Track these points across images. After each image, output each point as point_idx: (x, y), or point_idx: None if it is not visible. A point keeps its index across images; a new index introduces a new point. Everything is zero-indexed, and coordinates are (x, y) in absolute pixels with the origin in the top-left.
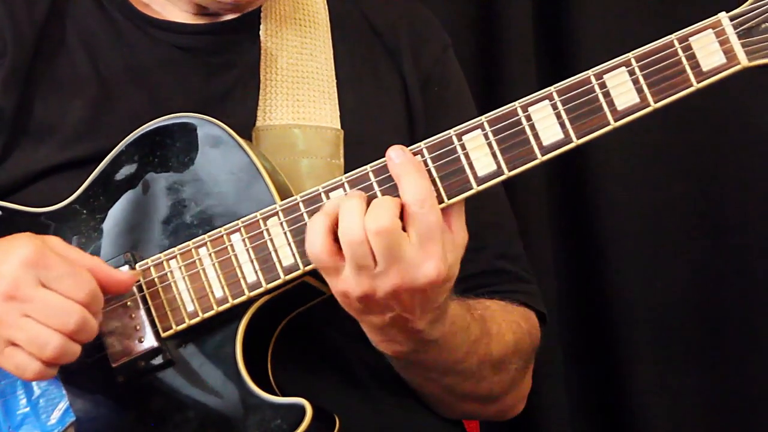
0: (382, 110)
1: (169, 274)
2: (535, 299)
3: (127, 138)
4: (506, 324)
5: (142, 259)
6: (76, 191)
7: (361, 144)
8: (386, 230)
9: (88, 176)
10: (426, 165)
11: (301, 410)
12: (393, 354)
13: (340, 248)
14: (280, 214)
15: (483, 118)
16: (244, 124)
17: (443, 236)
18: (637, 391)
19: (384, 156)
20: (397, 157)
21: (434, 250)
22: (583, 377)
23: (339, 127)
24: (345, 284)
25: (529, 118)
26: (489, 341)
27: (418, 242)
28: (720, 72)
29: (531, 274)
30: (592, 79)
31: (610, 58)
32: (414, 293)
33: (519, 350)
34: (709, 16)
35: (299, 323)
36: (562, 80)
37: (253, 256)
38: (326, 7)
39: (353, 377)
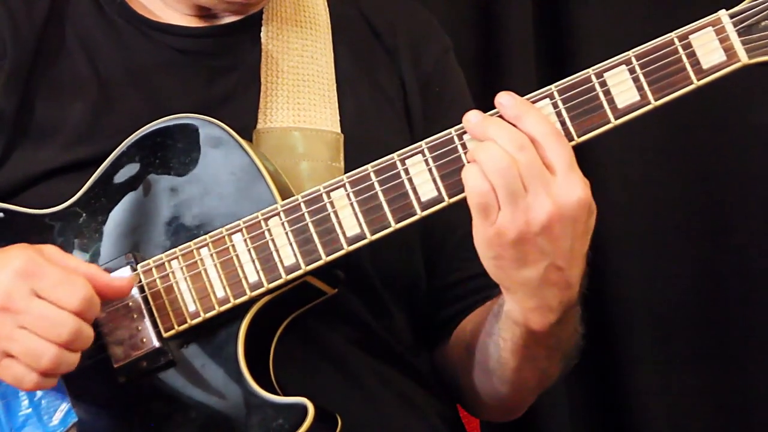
0: (382, 113)
1: (170, 274)
2: None
3: (128, 139)
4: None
5: (144, 260)
6: (77, 193)
7: (361, 147)
8: (527, 145)
9: (89, 178)
10: (427, 164)
11: (303, 410)
12: (539, 326)
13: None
14: (282, 214)
15: None
16: (245, 127)
17: None
18: (637, 392)
19: (384, 156)
20: (508, 101)
21: (577, 173)
22: (584, 377)
23: (339, 131)
24: (500, 224)
25: None
26: (579, 321)
27: (560, 167)
28: (720, 69)
29: None
30: (593, 77)
31: (610, 57)
32: (566, 222)
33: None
34: (709, 14)
35: (301, 323)
36: (562, 79)
37: (254, 256)
38: (327, 9)
39: (355, 377)
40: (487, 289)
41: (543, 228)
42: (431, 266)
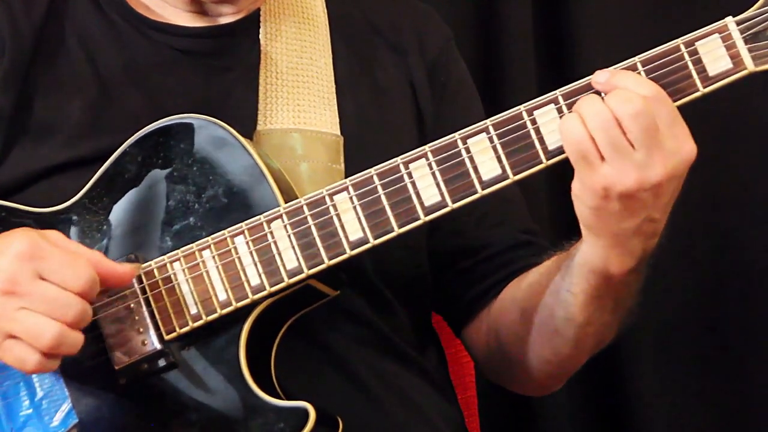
0: (383, 113)
1: (172, 276)
2: None
3: (130, 138)
4: None
5: (146, 261)
6: (78, 191)
7: (362, 149)
8: (644, 106)
9: (91, 176)
10: (430, 168)
11: (305, 413)
12: (618, 270)
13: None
14: (284, 217)
15: (488, 122)
16: (245, 128)
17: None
18: (637, 392)
19: (385, 161)
20: (603, 75)
21: (685, 128)
22: (584, 378)
23: (338, 133)
24: (609, 177)
25: (534, 122)
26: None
27: (670, 124)
28: (726, 77)
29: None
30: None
31: (610, 58)
32: (674, 180)
33: None
34: (709, 13)
35: (303, 326)
36: (563, 81)
37: (256, 259)
38: (325, 9)
39: (356, 377)
40: (515, 262)
41: (654, 186)
42: (451, 252)
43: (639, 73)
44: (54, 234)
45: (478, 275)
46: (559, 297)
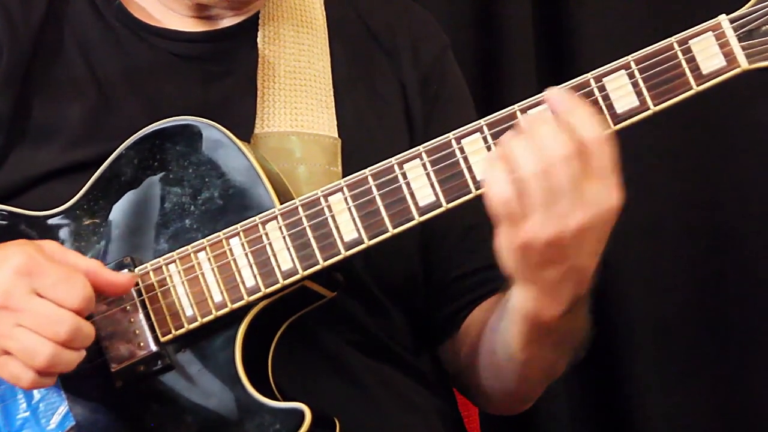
0: (379, 117)
1: (168, 278)
2: None
3: (126, 141)
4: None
5: (142, 263)
6: (76, 195)
7: (359, 152)
8: (571, 155)
9: (88, 180)
10: (425, 168)
11: (300, 415)
12: (549, 318)
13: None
14: (279, 218)
15: (482, 122)
16: (243, 131)
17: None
18: (636, 393)
19: (382, 161)
20: (556, 97)
21: (615, 178)
22: (583, 378)
23: (336, 136)
24: (531, 230)
25: None
26: (585, 318)
27: (603, 173)
28: (720, 75)
29: None
30: (592, 82)
31: (610, 57)
32: (597, 228)
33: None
34: (708, 14)
35: (300, 326)
36: (563, 81)
37: (251, 261)
38: (324, 12)
39: (354, 378)
40: (492, 282)
41: (576, 235)
42: (432, 263)
43: (632, 72)
44: (52, 245)
45: (455, 292)
46: (499, 336)
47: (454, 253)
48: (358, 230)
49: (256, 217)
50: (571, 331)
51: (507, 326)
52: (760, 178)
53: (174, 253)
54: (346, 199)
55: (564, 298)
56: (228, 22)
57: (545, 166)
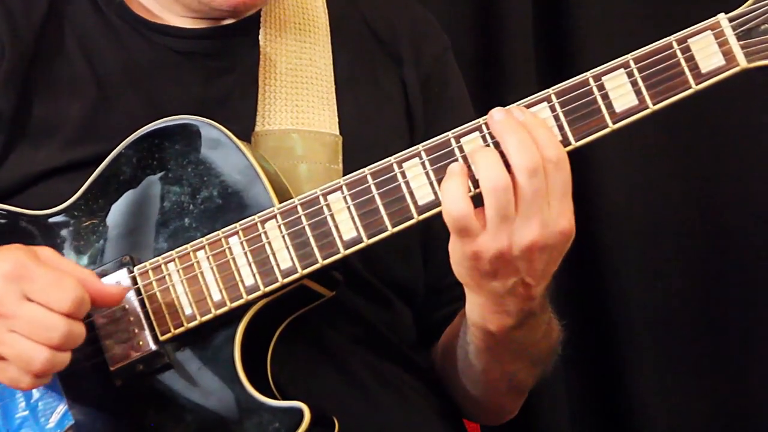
0: (381, 116)
1: (167, 277)
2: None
3: (126, 140)
4: (555, 323)
5: (141, 262)
6: (75, 193)
7: (360, 150)
8: (540, 171)
9: (88, 178)
10: (424, 167)
11: (299, 414)
12: (496, 328)
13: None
14: (278, 217)
15: (481, 121)
16: (243, 129)
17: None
18: (637, 393)
19: (383, 159)
20: (500, 116)
21: (569, 203)
22: (583, 378)
23: (337, 133)
24: (481, 244)
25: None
26: (551, 329)
27: (557, 195)
28: (719, 74)
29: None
30: (591, 81)
31: (610, 58)
32: (546, 250)
33: (556, 349)
34: (708, 14)
35: (300, 324)
36: (562, 80)
37: (251, 260)
38: (326, 10)
39: (355, 379)
40: None
41: (524, 252)
42: (428, 267)
43: (631, 70)
44: (46, 252)
45: (444, 300)
46: (459, 342)
47: (448, 261)
48: (357, 229)
49: (255, 216)
50: (531, 344)
51: (464, 335)
52: (760, 178)
53: (173, 251)
54: (345, 198)
55: (510, 311)
56: (229, 19)
57: (505, 183)
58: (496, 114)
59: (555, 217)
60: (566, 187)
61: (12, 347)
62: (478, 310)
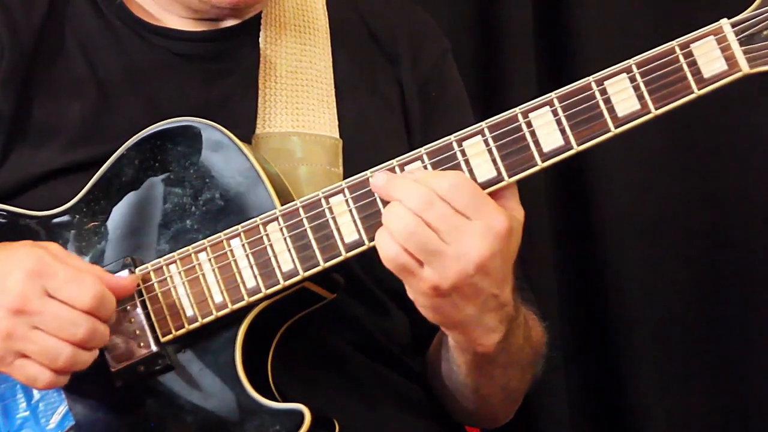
0: (380, 118)
1: (168, 279)
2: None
3: (128, 142)
4: (534, 322)
5: (142, 264)
6: (77, 195)
7: (360, 153)
8: (434, 199)
9: (89, 180)
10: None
11: (300, 416)
12: (486, 348)
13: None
14: (280, 219)
15: (483, 124)
16: (243, 131)
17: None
18: (637, 393)
19: (383, 162)
20: (380, 180)
21: (489, 205)
22: (583, 379)
23: (338, 136)
24: (431, 280)
25: (529, 125)
26: (529, 329)
27: (472, 209)
28: (721, 79)
29: (525, 281)
30: (593, 85)
31: (610, 58)
32: (496, 255)
33: (540, 350)
34: (708, 14)
35: (300, 327)
36: (563, 81)
37: (252, 262)
38: (326, 13)
39: (353, 379)
40: None
41: (477, 269)
42: None
43: (634, 75)
44: (55, 247)
45: None
46: (447, 365)
47: None
48: (358, 231)
49: (257, 218)
50: (513, 353)
51: (450, 357)
52: (760, 178)
53: (175, 253)
54: (347, 200)
55: (493, 327)
56: (230, 22)
57: (415, 223)
58: (374, 180)
59: (485, 224)
60: (477, 198)
61: (36, 343)
62: (464, 339)
